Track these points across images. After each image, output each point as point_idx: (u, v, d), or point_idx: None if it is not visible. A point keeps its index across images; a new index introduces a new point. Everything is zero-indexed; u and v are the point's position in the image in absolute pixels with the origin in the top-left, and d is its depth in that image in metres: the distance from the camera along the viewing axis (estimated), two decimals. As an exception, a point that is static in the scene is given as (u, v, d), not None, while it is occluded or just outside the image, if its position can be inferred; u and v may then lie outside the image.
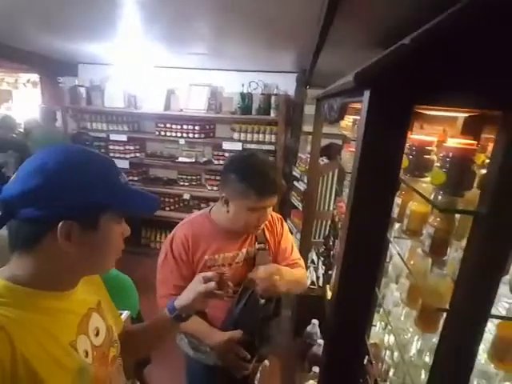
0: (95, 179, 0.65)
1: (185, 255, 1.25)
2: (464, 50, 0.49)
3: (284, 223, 1.46)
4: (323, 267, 2.31)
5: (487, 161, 0.74)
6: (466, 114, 0.91)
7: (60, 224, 0.60)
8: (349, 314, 0.69)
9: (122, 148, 3.89)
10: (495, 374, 0.84)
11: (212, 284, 0.92)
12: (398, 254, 1.00)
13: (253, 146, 3.64)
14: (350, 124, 2.19)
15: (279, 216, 1.46)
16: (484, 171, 0.70)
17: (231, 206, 1.21)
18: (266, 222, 1.36)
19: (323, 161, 3.23)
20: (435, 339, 0.95)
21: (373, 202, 0.58)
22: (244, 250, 1.31)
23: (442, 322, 0.87)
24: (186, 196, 3.88)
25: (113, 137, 3.90)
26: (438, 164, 0.72)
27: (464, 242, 0.74)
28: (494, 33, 0.48)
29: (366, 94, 0.55)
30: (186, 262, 1.25)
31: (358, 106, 1.87)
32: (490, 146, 0.89)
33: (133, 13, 1.99)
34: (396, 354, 1.02)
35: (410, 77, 0.51)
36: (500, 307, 0.75)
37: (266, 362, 1.46)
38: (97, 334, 0.74)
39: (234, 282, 1.23)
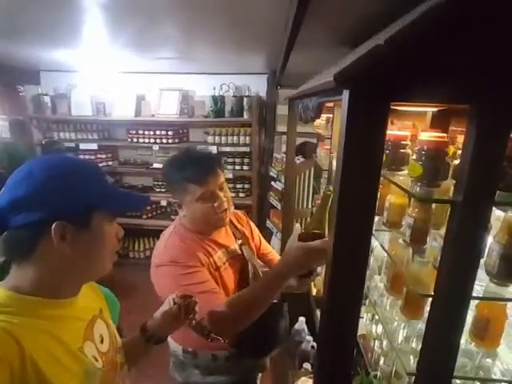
0: (82, 180, 0.67)
1: (197, 261, 1.16)
2: (436, 48, 0.52)
3: (247, 216, 1.50)
4: (306, 264, 2.34)
5: (459, 152, 0.79)
6: (436, 109, 0.96)
7: (54, 225, 0.62)
8: (341, 310, 0.71)
9: (92, 157, 3.77)
10: (476, 353, 0.89)
11: (173, 308, 0.90)
12: (381, 246, 1.03)
13: (227, 149, 3.65)
14: (324, 122, 2.25)
15: (242, 212, 1.50)
16: (457, 162, 0.74)
17: (185, 208, 1.19)
18: (234, 219, 1.40)
19: (299, 159, 3.28)
20: (420, 325, 1.00)
21: (358, 198, 0.60)
22: (231, 248, 1.31)
23: (426, 308, 0.92)
24: (163, 203, 3.81)
25: (82, 146, 3.78)
26: (414, 157, 0.76)
27: (442, 231, 0.78)
28: (463, 32, 0.51)
29: (345, 93, 0.57)
30: (199, 265, 1.16)
31: (330, 104, 1.92)
32: (459, 138, 0.95)
33: (98, 17, 1.93)
34: (385, 342, 1.06)
35: (386, 76, 0.53)
36: (477, 288, 0.79)
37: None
38: (101, 341, 0.75)
39: (233, 280, 1.26)
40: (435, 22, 0.50)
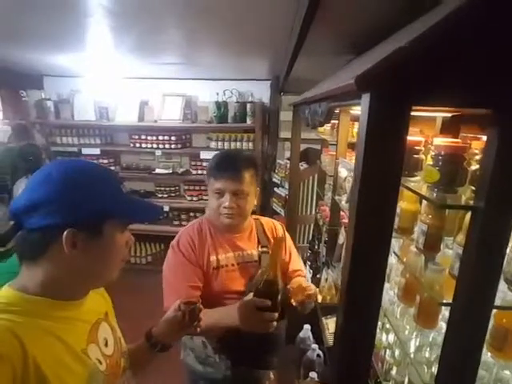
0: (98, 189, 0.67)
1: (193, 254, 1.25)
2: (459, 51, 0.51)
3: (285, 230, 1.49)
4: (311, 271, 2.32)
5: (476, 157, 0.77)
6: (450, 114, 0.95)
7: (65, 232, 0.62)
8: (360, 320, 0.69)
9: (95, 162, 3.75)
10: (493, 364, 0.86)
11: (178, 314, 0.90)
12: (394, 253, 1.01)
13: (230, 155, 3.63)
14: (329, 128, 2.24)
15: (281, 223, 1.49)
16: (474, 168, 0.73)
17: (208, 197, 1.30)
18: (269, 227, 1.41)
19: (302, 166, 3.27)
20: (433, 334, 0.98)
21: (378, 204, 0.58)
22: (248, 252, 1.32)
23: (440, 317, 0.90)
24: (166, 208, 3.79)
25: (85, 151, 3.77)
26: (431, 162, 0.74)
27: (459, 237, 0.77)
28: (485, 35, 0.50)
29: (365, 97, 0.56)
30: (195, 261, 1.24)
31: (336, 110, 1.92)
32: (472, 144, 0.94)
33: (102, 22, 1.93)
34: (397, 352, 1.04)
35: (408, 78, 0.52)
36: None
37: (271, 374, 1.44)
38: (106, 344, 0.75)
39: (239, 283, 1.28)
40: (459, 25, 0.49)
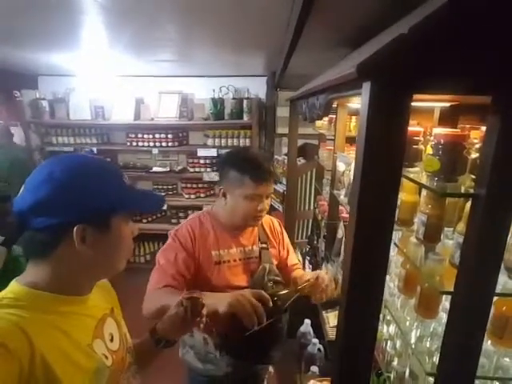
0: (102, 183, 0.67)
1: (190, 244, 1.25)
2: (459, 38, 0.51)
3: (282, 227, 1.51)
4: (310, 266, 2.33)
5: (476, 146, 0.78)
6: (448, 104, 0.95)
7: (75, 228, 0.63)
8: (362, 313, 0.69)
9: (91, 161, 3.72)
10: (493, 352, 0.87)
11: (180, 310, 0.89)
12: (395, 244, 1.01)
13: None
14: (326, 123, 2.24)
15: (277, 220, 1.52)
16: (474, 156, 0.73)
17: (229, 198, 1.25)
18: (267, 224, 1.43)
19: (300, 161, 3.27)
20: (433, 324, 0.98)
21: (380, 192, 0.58)
22: (249, 248, 1.34)
23: (441, 307, 0.91)
24: (164, 206, 3.78)
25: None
26: (430, 152, 0.74)
27: (460, 226, 0.77)
28: (488, 19, 0.50)
29: (366, 85, 0.56)
30: (190, 251, 1.24)
31: (333, 104, 1.91)
32: (471, 134, 0.94)
33: (97, 19, 1.91)
34: (398, 343, 1.04)
35: (409, 65, 0.52)
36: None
37: (271, 368, 1.44)
38: (111, 340, 0.75)
39: (241, 279, 1.29)
40: (458, 11, 0.49)
